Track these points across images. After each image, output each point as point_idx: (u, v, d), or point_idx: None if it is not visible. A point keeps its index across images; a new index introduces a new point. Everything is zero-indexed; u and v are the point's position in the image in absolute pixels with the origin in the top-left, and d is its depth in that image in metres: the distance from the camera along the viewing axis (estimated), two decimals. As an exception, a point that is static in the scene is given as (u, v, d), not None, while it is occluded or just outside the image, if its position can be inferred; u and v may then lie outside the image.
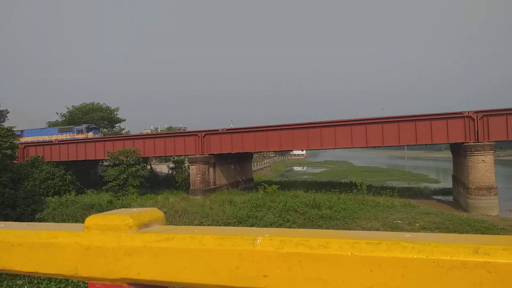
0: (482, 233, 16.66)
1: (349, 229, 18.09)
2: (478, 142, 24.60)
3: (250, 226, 19.23)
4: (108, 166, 35.44)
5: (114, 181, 30.78)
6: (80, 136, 42.38)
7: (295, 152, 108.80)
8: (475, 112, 25.25)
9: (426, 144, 29.75)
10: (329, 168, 73.77)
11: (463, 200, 26.08)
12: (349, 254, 0.93)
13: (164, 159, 49.61)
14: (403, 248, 0.90)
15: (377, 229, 17.81)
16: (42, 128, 46.26)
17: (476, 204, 23.72)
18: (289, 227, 18.73)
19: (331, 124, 29.30)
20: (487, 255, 0.84)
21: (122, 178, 30.78)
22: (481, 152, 24.20)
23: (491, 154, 24.32)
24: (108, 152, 32.45)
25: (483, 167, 24.08)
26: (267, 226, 19.04)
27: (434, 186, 38.89)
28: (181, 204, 25.25)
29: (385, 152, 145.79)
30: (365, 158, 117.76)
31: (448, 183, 35.06)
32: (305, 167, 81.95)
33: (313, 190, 28.86)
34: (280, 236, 1.00)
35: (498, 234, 16.76)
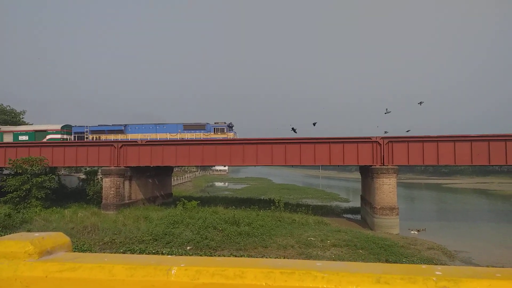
0: (385, 250, 18.11)
1: (266, 246, 18.42)
2: (383, 165, 26.96)
3: (166, 243, 18.57)
4: (8, 175, 31.74)
5: (15, 192, 27.70)
6: (219, 136, 33.80)
7: (217, 167, 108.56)
8: (382, 137, 27.72)
9: (338, 165, 31.77)
10: (250, 184, 74.83)
11: (369, 219, 28.18)
12: (264, 284, 0.95)
13: (75, 169, 46.00)
14: (314, 278, 0.95)
15: (293, 246, 18.39)
16: (158, 124, 35.90)
17: (380, 223, 25.80)
18: (207, 245, 18.48)
19: (253, 141, 29.89)
20: (387, 284, 0.92)
21: (24, 189, 27.83)
22: (386, 175, 26.52)
23: (394, 177, 26.77)
24: (10, 160, 29.17)
25: (387, 188, 26.36)
26: (184, 244, 18.56)
27: (344, 205, 41.47)
28: (91, 219, 23.55)
29: (301, 170, 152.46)
30: (284, 175, 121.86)
31: (357, 203, 37.68)
32: (226, 183, 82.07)
33: (233, 207, 28.95)
34: (196, 266, 0.98)
35: (398, 250, 18.38)
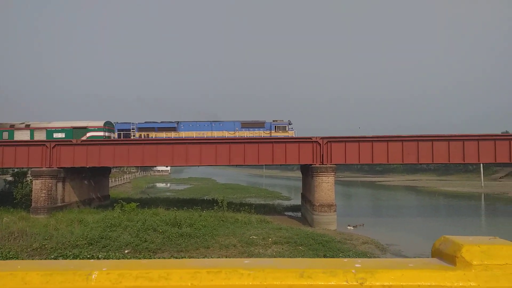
0: (323, 245, 18.81)
1: (208, 246, 18.29)
2: (323, 164, 27.99)
3: (103, 247, 17.73)
4: None
5: None
6: (280, 134, 32.33)
7: (159, 168, 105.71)
8: (321, 138, 28.78)
9: (281, 165, 32.48)
10: (193, 185, 73.84)
11: (309, 216, 29.12)
12: (189, 284, 0.94)
13: (0, 171, 42.33)
14: (240, 276, 0.95)
15: (235, 245, 18.45)
16: (214, 121, 34.05)
17: (319, 220, 26.76)
18: (147, 247, 17.95)
19: (197, 141, 29.56)
20: (310, 278, 0.96)
21: None
22: (325, 173, 27.57)
23: (332, 175, 27.91)
24: None
25: (326, 186, 27.42)
26: (122, 247, 17.85)
27: (286, 203, 42.45)
28: (18, 224, 21.79)
29: (246, 170, 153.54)
30: (228, 175, 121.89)
31: (298, 200, 38.72)
32: (168, 184, 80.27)
33: (175, 208, 28.36)
34: (119, 269, 0.94)
35: (335, 246, 19.18)
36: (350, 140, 28.91)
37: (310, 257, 16.25)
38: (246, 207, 30.28)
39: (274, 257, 16.51)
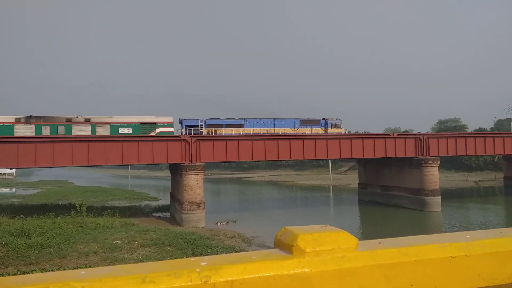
0: (192, 244, 18.83)
1: (64, 256, 16.53)
2: (192, 163, 28.04)
3: None
4: None
5: None
6: (335, 131, 34.90)
7: (1, 170, 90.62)
8: (190, 136, 28.80)
9: (148, 164, 31.41)
10: (45, 188, 65.60)
11: (178, 215, 28.84)
12: None
13: None
14: None
15: (96, 252, 17.10)
16: (276, 119, 35.31)
17: (188, 218, 26.74)
18: (-16, 264, 15.26)
19: (48, 140, 26.33)
20: (153, 282, 0.93)
21: None
22: (194, 171, 27.66)
23: (201, 173, 28.19)
24: None
25: (195, 184, 27.54)
26: None
27: (154, 203, 41.19)
28: None
29: (109, 171, 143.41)
30: (88, 177, 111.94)
31: (166, 200, 37.97)
32: (13, 189, 69.72)
33: (22, 216, 24.75)
34: None
35: (204, 243, 19.43)
36: (218, 139, 29.66)
37: (178, 257, 16.12)
38: (109, 210, 28.37)
39: (141, 260, 15.84)
